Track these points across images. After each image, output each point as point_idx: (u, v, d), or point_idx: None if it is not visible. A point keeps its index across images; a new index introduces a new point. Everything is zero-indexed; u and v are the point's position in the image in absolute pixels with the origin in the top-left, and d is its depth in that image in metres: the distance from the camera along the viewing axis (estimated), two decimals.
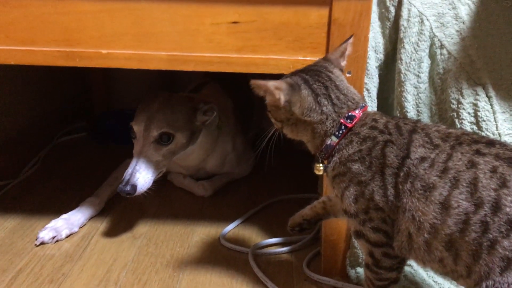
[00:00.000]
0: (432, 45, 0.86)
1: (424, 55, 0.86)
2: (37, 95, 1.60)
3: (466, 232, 0.64)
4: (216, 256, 1.08)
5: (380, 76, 0.91)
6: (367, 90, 0.89)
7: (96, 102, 1.90)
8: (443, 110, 0.86)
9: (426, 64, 0.87)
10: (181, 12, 0.86)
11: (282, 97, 0.73)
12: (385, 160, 0.70)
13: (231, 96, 1.41)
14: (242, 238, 1.15)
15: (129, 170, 1.06)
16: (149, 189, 1.09)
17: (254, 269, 1.01)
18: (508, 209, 0.62)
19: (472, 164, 0.65)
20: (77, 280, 0.98)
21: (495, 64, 0.82)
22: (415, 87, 0.87)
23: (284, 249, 1.10)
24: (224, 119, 1.31)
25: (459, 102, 0.82)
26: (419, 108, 0.87)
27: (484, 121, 0.80)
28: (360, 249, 0.97)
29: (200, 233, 1.16)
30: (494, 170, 0.64)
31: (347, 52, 0.80)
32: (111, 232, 1.15)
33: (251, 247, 1.08)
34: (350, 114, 0.74)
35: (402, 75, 0.87)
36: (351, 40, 0.80)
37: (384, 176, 0.70)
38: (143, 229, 1.17)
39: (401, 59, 0.87)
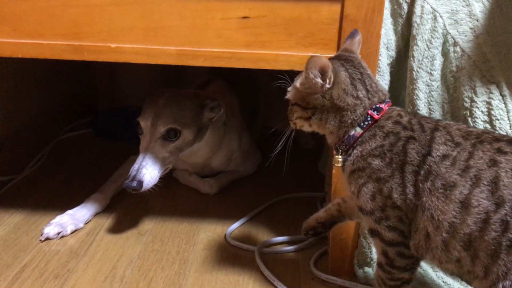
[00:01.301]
0: (445, 42, 0.84)
1: (437, 53, 0.85)
2: (41, 91, 1.59)
3: (486, 232, 0.63)
4: (222, 254, 1.07)
5: (391, 73, 0.90)
6: None
7: (100, 99, 1.89)
8: (455, 108, 0.85)
9: (438, 61, 0.85)
10: (190, 6, 0.85)
11: (332, 76, 0.72)
12: (406, 157, 0.69)
13: (237, 93, 1.40)
14: (248, 236, 1.14)
15: (136, 166, 1.05)
16: (155, 185, 1.08)
17: (261, 268, 1.00)
18: None
19: (494, 163, 0.64)
20: (83, 276, 0.97)
21: (510, 62, 0.81)
22: (427, 85, 0.85)
23: (291, 247, 1.09)
24: (231, 116, 1.30)
25: (472, 100, 0.81)
26: (431, 106, 0.86)
27: (498, 119, 0.79)
28: (368, 248, 0.96)
29: (206, 231, 1.15)
30: None
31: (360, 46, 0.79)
32: (117, 229, 1.14)
33: (257, 245, 1.07)
34: (377, 106, 0.73)
35: (414, 73, 0.86)
36: (360, 36, 0.79)
37: (404, 173, 0.69)
38: (149, 226, 1.16)
39: (413, 57, 0.86)
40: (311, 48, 0.87)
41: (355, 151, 0.74)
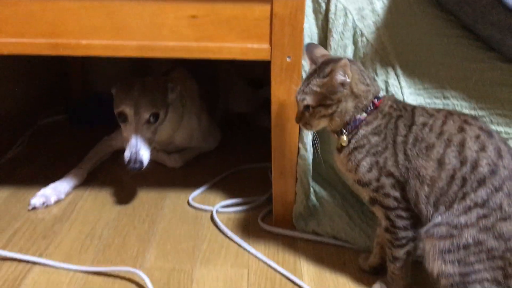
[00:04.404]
0: (354, 34, 1.05)
1: (349, 43, 1.06)
2: (18, 83, 1.74)
3: (451, 186, 0.81)
4: (185, 214, 1.27)
5: None
6: (305, 72, 1.08)
7: (74, 87, 2.05)
8: None
9: (350, 49, 1.06)
10: (148, 8, 1.03)
11: (350, 73, 0.85)
12: (397, 130, 0.86)
13: (196, 79, 1.59)
14: (208, 200, 1.34)
15: (132, 149, 1.23)
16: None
17: (217, 223, 1.20)
18: (481, 169, 0.79)
19: (462, 129, 0.82)
20: (67, 236, 1.16)
21: (402, 49, 1.02)
22: None
23: (243, 207, 1.29)
24: (189, 99, 1.49)
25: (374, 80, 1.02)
26: None
27: (393, 94, 1.01)
28: (303, 203, 1.16)
29: (171, 197, 1.35)
30: (477, 137, 0.81)
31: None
32: (94, 198, 1.33)
33: (215, 206, 1.27)
34: (378, 95, 0.90)
35: None
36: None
37: (395, 144, 0.86)
38: (122, 196, 1.35)
39: (330, 46, 1.06)
40: (248, 41, 1.06)
41: (360, 131, 0.89)
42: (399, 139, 0.87)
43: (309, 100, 0.91)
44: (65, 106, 1.94)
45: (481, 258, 0.79)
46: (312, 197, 1.18)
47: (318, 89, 0.89)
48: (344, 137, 0.91)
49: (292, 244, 1.15)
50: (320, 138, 1.16)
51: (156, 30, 1.05)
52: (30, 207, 1.25)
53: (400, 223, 0.89)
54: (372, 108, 0.90)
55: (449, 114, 0.86)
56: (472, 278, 0.80)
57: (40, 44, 1.05)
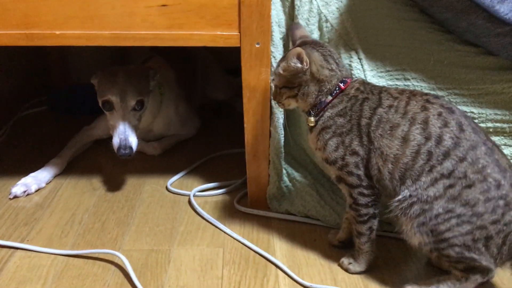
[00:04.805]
0: (319, 20, 1.09)
1: (314, 28, 1.10)
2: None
3: (416, 161, 0.86)
4: (163, 199, 1.31)
5: (284, 46, 1.14)
6: (274, 57, 1.12)
7: (54, 78, 2.07)
8: None
9: (316, 35, 1.10)
10: None
11: (307, 59, 0.91)
12: (361, 113, 0.91)
13: (173, 68, 1.62)
14: (186, 185, 1.38)
15: (121, 136, 1.26)
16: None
17: (194, 206, 1.24)
18: (445, 143, 0.85)
19: (425, 108, 0.87)
20: (48, 222, 1.19)
21: (364, 33, 1.06)
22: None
23: (219, 191, 1.34)
24: (167, 87, 1.53)
25: None
26: None
27: (356, 77, 1.05)
28: (276, 185, 1.21)
29: (150, 183, 1.39)
30: (439, 114, 0.86)
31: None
32: (74, 186, 1.36)
33: (192, 190, 1.31)
34: (344, 79, 0.94)
35: None
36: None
37: (360, 126, 0.91)
38: (101, 183, 1.38)
39: None
40: (218, 28, 1.09)
41: (326, 113, 0.94)
42: (363, 121, 0.91)
43: (276, 81, 0.97)
44: (45, 97, 1.96)
45: (451, 225, 0.85)
46: (285, 178, 1.23)
47: (282, 72, 0.95)
48: (312, 118, 0.97)
49: (266, 224, 1.19)
50: (290, 121, 1.21)
51: (128, 19, 1.08)
52: (11, 196, 1.28)
53: (362, 200, 0.94)
54: (337, 91, 0.95)
55: (412, 95, 0.91)
56: (444, 245, 0.87)
57: (15, 35, 1.08)
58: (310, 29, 1.09)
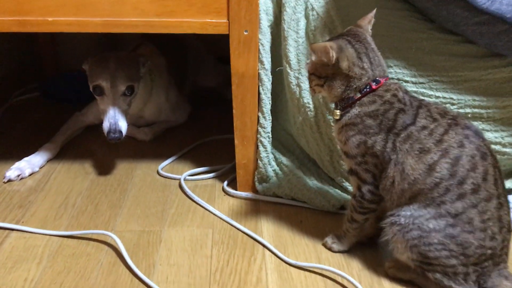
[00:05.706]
0: (306, 8, 1.12)
1: (301, 16, 1.13)
2: None
3: (433, 191, 0.86)
4: (155, 183, 1.34)
5: (272, 33, 1.18)
6: (262, 44, 1.15)
7: (46, 65, 2.08)
8: None
9: (302, 23, 1.13)
10: None
11: (334, 55, 0.89)
12: (394, 123, 0.89)
13: (164, 55, 1.64)
14: (177, 170, 1.41)
15: (111, 121, 1.29)
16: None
17: (185, 189, 1.28)
18: (465, 186, 0.84)
19: (462, 145, 0.86)
20: (42, 204, 1.22)
21: (349, 21, 1.09)
22: (295, 41, 1.14)
23: (209, 175, 1.37)
24: (157, 74, 1.56)
25: None
26: (299, 57, 1.14)
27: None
28: (264, 168, 1.25)
29: (142, 168, 1.42)
30: (473, 157, 0.85)
31: (373, 20, 0.97)
32: (67, 170, 1.39)
33: (183, 174, 1.35)
34: (377, 79, 0.91)
35: (285, 32, 1.14)
36: (374, 12, 0.97)
37: (388, 134, 0.89)
38: (94, 167, 1.41)
39: (284, 19, 1.13)
40: (207, 15, 1.12)
41: (353, 110, 0.92)
42: (393, 131, 0.90)
43: (308, 66, 0.96)
44: (37, 84, 1.97)
45: (440, 256, 0.88)
46: (272, 162, 1.27)
47: (314, 60, 0.94)
48: (338, 112, 0.96)
49: (254, 207, 1.24)
50: (278, 108, 1.24)
51: (119, 7, 1.10)
52: (5, 180, 1.31)
53: (369, 196, 0.96)
54: (368, 89, 0.92)
55: (454, 123, 0.89)
56: (429, 268, 0.90)
57: (8, 22, 1.10)
58: (297, 17, 1.13)
